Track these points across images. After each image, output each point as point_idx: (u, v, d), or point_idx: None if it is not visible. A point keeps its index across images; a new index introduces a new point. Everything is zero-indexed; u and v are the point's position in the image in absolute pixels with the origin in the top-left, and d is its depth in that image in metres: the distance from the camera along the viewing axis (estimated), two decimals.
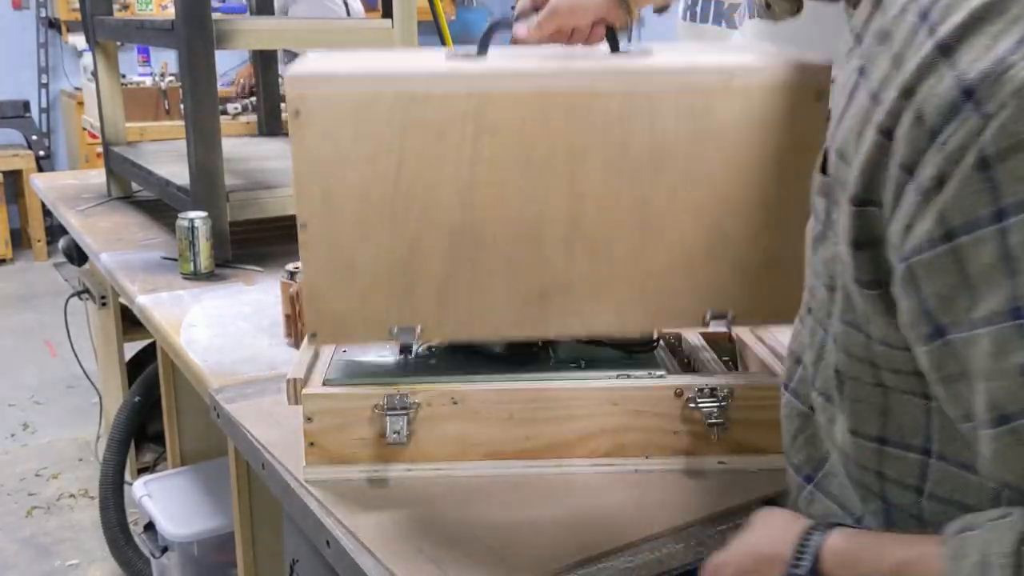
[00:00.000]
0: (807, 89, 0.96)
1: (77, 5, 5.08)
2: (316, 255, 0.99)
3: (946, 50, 0.53)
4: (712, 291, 1.02)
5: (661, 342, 1.13)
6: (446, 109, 0.95)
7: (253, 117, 3.95)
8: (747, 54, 1.04)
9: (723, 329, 1.05)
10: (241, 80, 4.07)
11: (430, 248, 0.98)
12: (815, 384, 0.71)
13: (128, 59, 4.28)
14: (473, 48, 1.01)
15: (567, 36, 1.06)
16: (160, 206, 2.25)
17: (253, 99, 4.03)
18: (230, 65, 5.69)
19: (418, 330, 1.01)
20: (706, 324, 1.03)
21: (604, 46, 1.05)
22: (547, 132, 0.96)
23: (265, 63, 2.70)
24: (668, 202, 0.98)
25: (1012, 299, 0.50)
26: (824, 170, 0.66)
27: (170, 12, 4.00)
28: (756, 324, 1.05)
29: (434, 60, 1.01)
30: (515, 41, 1.05)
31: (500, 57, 1.00)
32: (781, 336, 1.15)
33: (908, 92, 0.54)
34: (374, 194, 0.97)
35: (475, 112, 0.95)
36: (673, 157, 0.97)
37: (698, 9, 2.74)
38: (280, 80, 2.87)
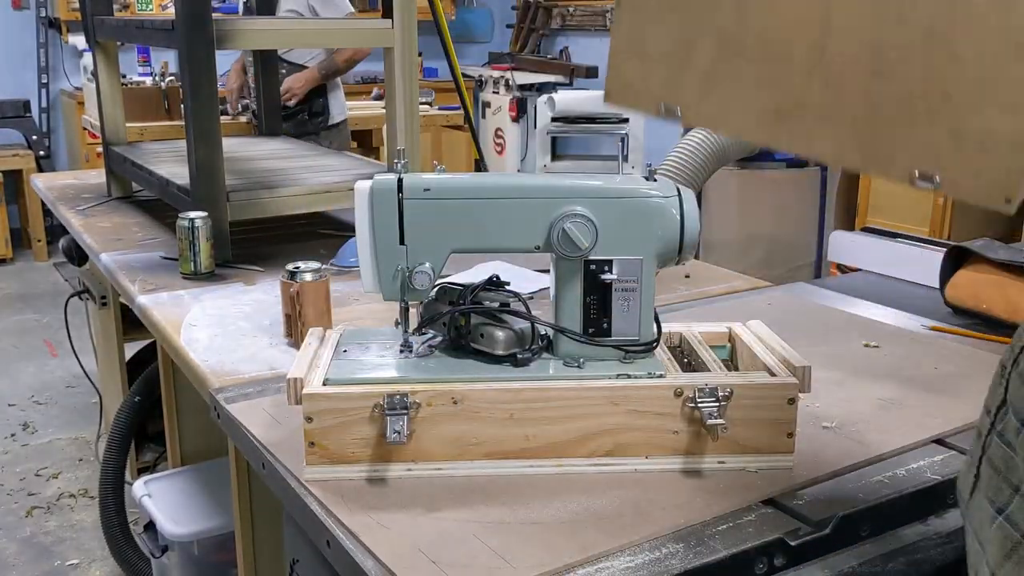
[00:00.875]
0: None
1: (77, 5, 5.08)
2: (622, 29, 1.11)
3: None
4: (926, 151, 1.03)
5: (661, 342, 1.14)
6: None
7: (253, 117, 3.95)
8: None
9: (928, 185, 1.03)
10: (232, 86, 4.07)
11: (702, 45, 1.11)
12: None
13: (128, 59, 4.28)
14: None
15: None
16: (160, 206, 2.25)
17: (246, 100, 4.03)
18: (230, 65, 5.69)
19: (678, 110, 1.10)
20: (913, 181, 1.03)
21: None
22: None
23: (265, 63, 2.70)
24: (902, 55, 1.02)
25: None
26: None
27: (170, 12, 4.00)
28: (962, 198, 1.03)
29: None
30: None
31: None
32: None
33: None
34: None
35: None
36: (917, 13, 1.00)
37: None
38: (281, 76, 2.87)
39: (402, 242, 1.08)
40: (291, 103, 3.63)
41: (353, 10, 3.79)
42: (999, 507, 0.67)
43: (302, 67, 3.72)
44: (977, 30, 0.98)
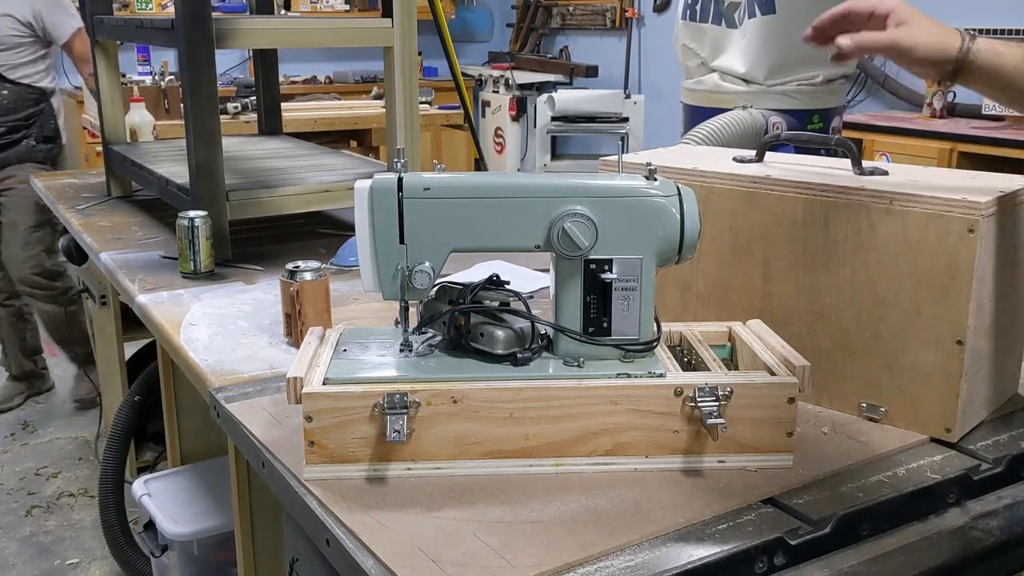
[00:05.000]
0: (962, 222, 1.06)
1: (77, 4, 5.07)
2: None
3: None
4: (867, 384, 1.17)
5: (661, 341, 1.14)
6: None
7: (253, 116, 3.95)
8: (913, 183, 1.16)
9: (877, 417, 1.17)
10: None
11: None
12: None
13: (128, 58, 4.27)
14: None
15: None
16: (160, 205, 2.25)
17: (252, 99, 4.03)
18: (230, 65, 5.70)
19: None
20: (861, 412, 1.18)
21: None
22: (749, 226, 1.24)
23: (266, 63, 2.70)
24: (835, 298, 1.18)
25: None
26: None
27: (170, 11, 4.00)
28: (904, 427, 1.15)
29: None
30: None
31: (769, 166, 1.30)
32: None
33: None
34: None
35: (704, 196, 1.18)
36: (840, 261, 1.16)
37: (698, 8, 2.75)
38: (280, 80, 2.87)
39: (402, 241, 1.08)
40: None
41: (81, 24, 3.21)
42: None
43: (28, 87, 3.33)
44: (890, 274, 1.12)
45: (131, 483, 2.02)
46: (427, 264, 1.08)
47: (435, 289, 1.13)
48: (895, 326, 1.13)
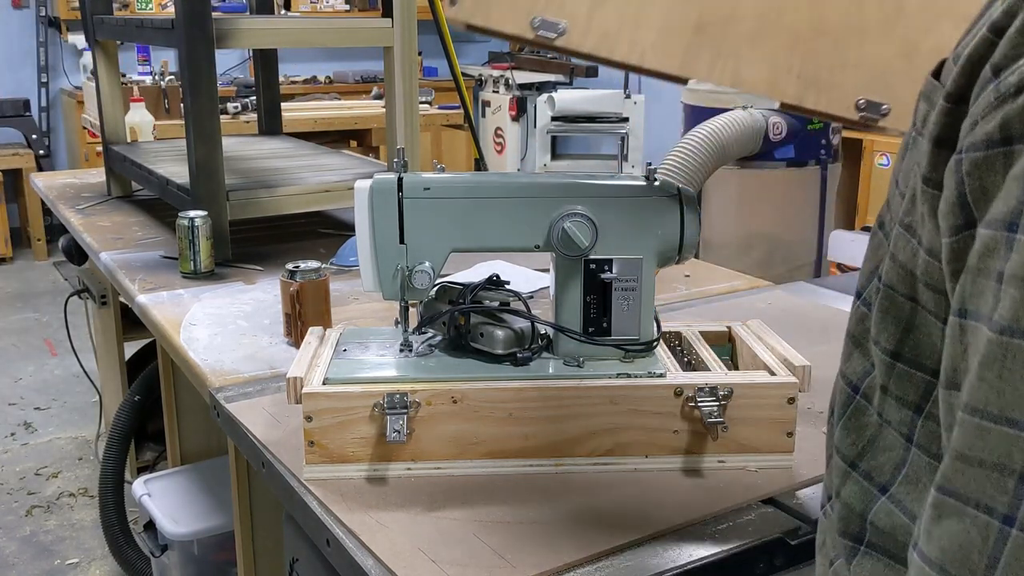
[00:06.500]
0: None
1: (77, 4, 5.08)
2: None
3: None
4: (875, 73, 0.92)
5: (661, 341, 1.14)
6: None
7: (253, 116, 3.95)
8: None
9: (874, 117, 0.94)
10: None
11: None
12: (861, 295, 0.70)
13: (128, 58, 4.28)
14: None
15: None
16: (160, 205, 2.25)
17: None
18: (230, 65, 5.70)
19: (562, 25, 0.88)
20: (859, 109, 0.93)
21: None
22: None
23: (265, 62, 2.70)
24: None
25: None
26: (936, 76, 0.63)
27: (170, 11, 4.00)
28: (904, 127, 0.95)
29: None
30: None
31: None
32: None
33: None
34: None
35: None
36: None
37: None
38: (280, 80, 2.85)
39: (402, 241, 1.08)
40: None
41: None
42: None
43: None
44: None
45: (131, 483, 2.02)
46: (427, 264, 1.08)
47: (435, 289, 1.13)
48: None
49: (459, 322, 1.10)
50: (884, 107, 0.93)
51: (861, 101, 0.93)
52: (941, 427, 0.55)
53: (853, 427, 0.68)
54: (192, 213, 1.77)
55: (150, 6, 5.30)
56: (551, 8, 0.88)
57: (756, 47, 0.91)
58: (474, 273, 1.70)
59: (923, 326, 0.62)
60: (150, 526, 1.85)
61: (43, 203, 4.20)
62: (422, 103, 4.48)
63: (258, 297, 1.69)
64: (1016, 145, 0.49)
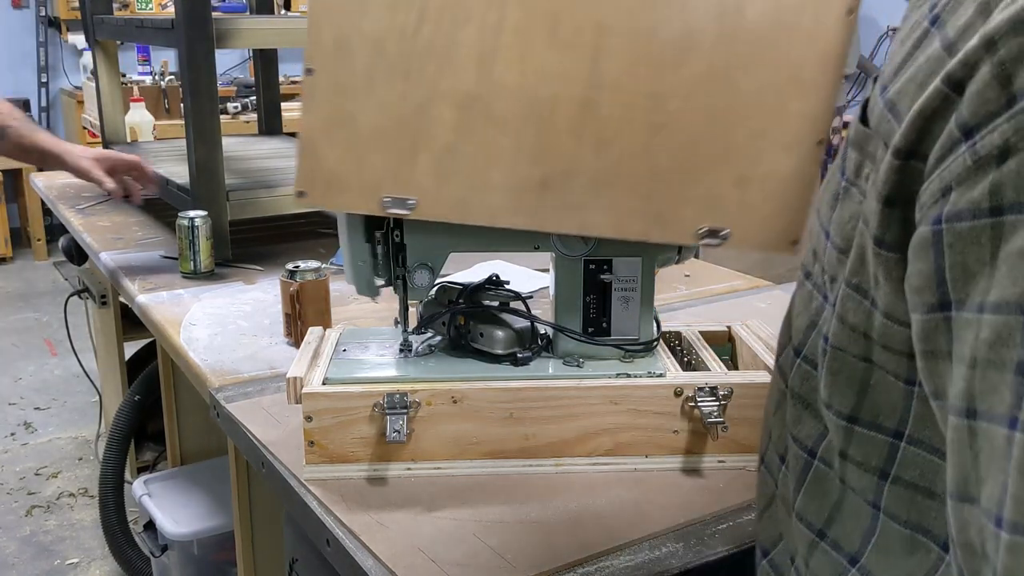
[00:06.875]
0: (839, 2, 0.92)
1: (77, 4, 5.08)
2: (318, 104, 0.92)
3: None
4: (712, 204, 0.97)
5: (661, 341, 1.14)
6: None
7: (253, 116, 3.95)
8: None
9: (715, 242, 0.99)
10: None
11: (437, 115, 0.92)
12: (801, 352, 0.66)
13: (128, 58, 4.28)
14: None
15: None
16: (160, 205, 2.25)
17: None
18: (230, 65, 5.70)
19: (412, 201, 0.94)
20: (699, 238, 0.98)
21: None
22: (576, 7, 0.91)
23: (265, 62, 2.70)
24: (684, 102, 0.94)
25: None
26: (864, 122, 0.59)
27: (170, 11, 4.00)
28: (749, 249, 0.98)
29: None
30: None
31: None
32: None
33: (991, 45, 0.46)
34: (389, 47, 0.90)
35: None
36: (697, 54, 0.93)
37: None
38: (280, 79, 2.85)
39: (402, 241, 1.08)
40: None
41: None
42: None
43: None
44: (756, 66, 0.93)
45: (131, 483, 2.02)
46: (427, 264, 1.08)
47: (435, 289, 1.13)
48: (752, 129, 0.95)
49: (459, 322, 1.10)
50: (724, 231, 0.98)
51: (702, 229, 0.98)
52: (951, 541, 0.49)
53: (816, 493, 0.64)
54: (192, 213, 1.78)
55: (150, 6, 5.30)
56: (398, 186, 0.94)
57: (600, 195, 0.96)
58: (474, 273, 1.70)
59: (880, 386, 0.58)
60: (150, 526, 1.85)
61: (43, 203, 4.20)
62: None
63: (258, 297, 1.69)
64: (1008, 216, 0.45)
